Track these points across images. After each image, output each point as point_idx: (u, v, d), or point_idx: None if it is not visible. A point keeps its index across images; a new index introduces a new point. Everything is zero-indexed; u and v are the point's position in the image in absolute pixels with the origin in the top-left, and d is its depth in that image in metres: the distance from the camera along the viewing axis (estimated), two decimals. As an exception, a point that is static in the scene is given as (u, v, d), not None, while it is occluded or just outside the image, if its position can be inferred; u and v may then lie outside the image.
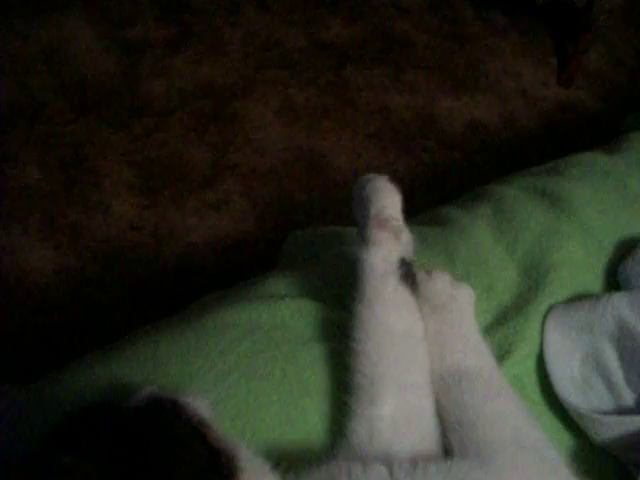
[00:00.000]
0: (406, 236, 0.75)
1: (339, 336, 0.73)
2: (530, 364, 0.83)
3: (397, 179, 1.09)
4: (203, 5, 2.32)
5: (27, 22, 2.19)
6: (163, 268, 1.80)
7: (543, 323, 0.84)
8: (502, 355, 0.80)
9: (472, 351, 0.73)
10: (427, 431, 0.67)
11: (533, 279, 0.88)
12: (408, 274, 0.72)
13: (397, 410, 0.66)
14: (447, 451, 0.66)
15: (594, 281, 0.91)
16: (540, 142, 2.15)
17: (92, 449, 0.48)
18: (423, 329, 0.72)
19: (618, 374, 0.79)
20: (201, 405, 0.57)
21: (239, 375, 0.72)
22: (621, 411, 0.79)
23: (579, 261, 0.91)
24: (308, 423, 0.71)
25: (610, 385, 0.79)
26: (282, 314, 0.81)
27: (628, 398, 0.78)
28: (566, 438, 0.80)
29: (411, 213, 0.83)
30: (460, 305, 0.75)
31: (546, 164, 1.12)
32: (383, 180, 0.76)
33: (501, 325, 0.83)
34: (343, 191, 1.86)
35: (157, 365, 0.72)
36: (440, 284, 0.75)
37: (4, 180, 1.89)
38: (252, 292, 0.86)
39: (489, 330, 0.82)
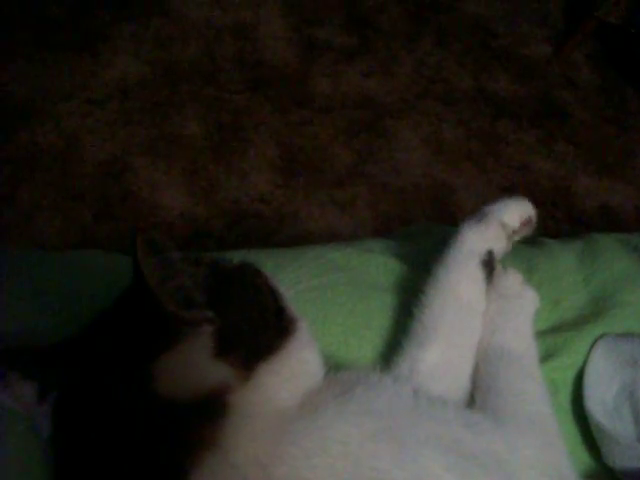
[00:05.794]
0: (502, 243, 0.84)
1: (412, 291, 0.82)
2: (569, 374, 0.87)
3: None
4: (387, 26, 2.46)
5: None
6: (276, 244, 1.91)
7: (592, 345, 0.88)
8: (546, 357, 0.85)
9: (520, 339, 0.80)
10: (458, 388, 0.75)
11: (598, 308, 0.93)
12: (489, 264, 0.81)
13: (439, 360, 0.75)
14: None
15: None
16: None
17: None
18: (484, 307, 0.80)
19: None
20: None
21: (318, 295, 0.85)
22: None
23: None
24: (361, 351, 0.83)
25: (638, 420, 0.82)
26: (369, 264, 0.94)
27: None
28: (580, 451, 0.84)
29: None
30: (523, 303, 0.83)
31: None
32: (527, 201, 0.86)
33: (554, 334, 0.89)
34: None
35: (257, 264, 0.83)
36: (512, 280, 0.83)
37: (166, 123, 2.08)
38: (352, 245, 0.99)
39: (542, 335, 0.87)
